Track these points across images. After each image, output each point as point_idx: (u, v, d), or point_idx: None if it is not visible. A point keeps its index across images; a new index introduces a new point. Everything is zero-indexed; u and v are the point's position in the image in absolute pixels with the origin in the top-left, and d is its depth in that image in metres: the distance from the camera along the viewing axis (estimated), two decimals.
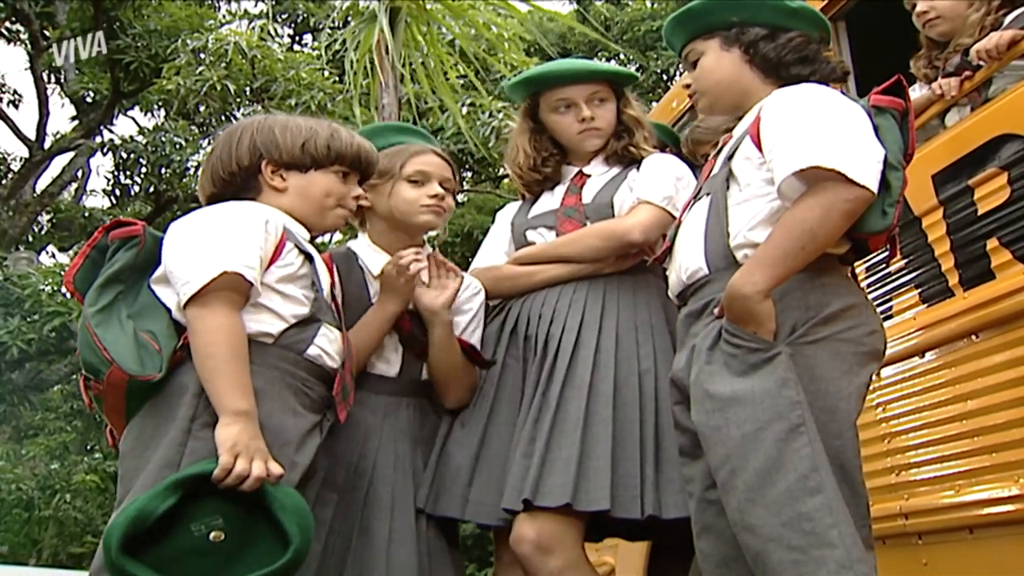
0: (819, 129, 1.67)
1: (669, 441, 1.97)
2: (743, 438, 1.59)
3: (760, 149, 1.76)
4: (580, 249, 2.14)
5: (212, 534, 1.53)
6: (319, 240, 2.98)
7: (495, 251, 2.32)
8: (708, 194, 1.84)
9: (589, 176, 2.27)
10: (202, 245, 1.70)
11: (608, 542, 2.49)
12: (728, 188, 1.80)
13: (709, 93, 1.94)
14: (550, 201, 2.28)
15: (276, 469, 1.59)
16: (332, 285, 1.89)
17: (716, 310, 1.70)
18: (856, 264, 1.85)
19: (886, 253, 2.16)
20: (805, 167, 1.62)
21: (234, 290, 1.67)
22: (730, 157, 1.83)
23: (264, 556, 1.55)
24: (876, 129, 1.70)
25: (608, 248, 2.13)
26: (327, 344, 1.81)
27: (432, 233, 2.28)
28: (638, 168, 2.23)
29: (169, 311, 1.72)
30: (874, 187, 1.62)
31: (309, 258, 1.82)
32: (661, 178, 2.17)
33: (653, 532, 2.10)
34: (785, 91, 1.80)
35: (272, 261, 1.76)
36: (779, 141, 1.71)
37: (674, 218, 2.10)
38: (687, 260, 1.82)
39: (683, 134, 2.73)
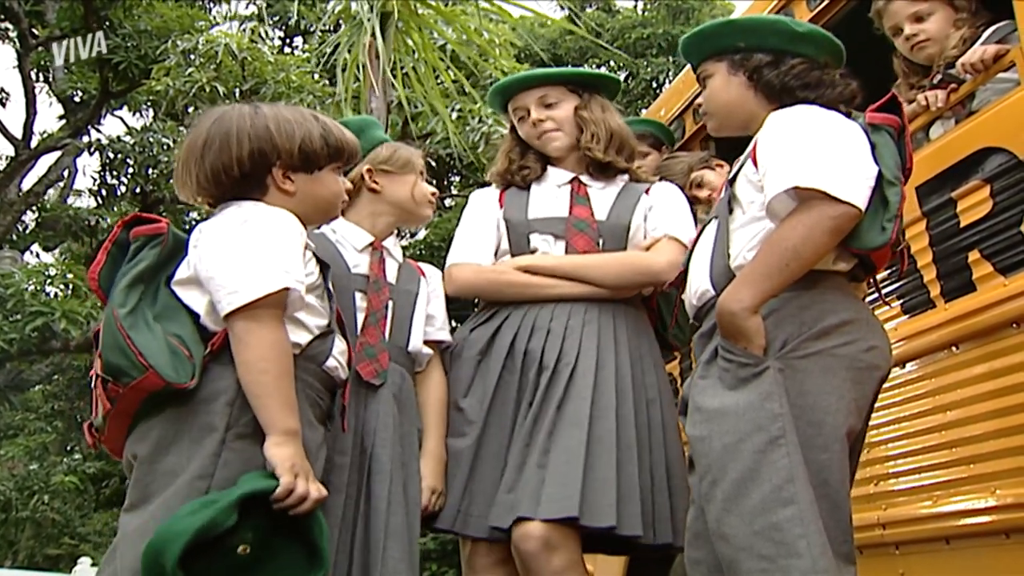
0: (805, 149, 1.69)
1: (668, 471, 2.02)
2: (724, 449, 1.62)
3: (758, 170, 1.79)
4: (608, 276, 2.13)
5: (240, 547, 1.51)
6: None
7: (485, 247, 2.24)
8: (716, 217, 1.88)
9: (588, 187, 2.26)
10: (254, 255, 1.63)
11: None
12: (732, 211, 1.83)
13: (717, 115, 1.99)
14: (551, 204, 2.24)
15: (324, 491, 1.60)
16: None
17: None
18: None
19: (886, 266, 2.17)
20: (788, 188, 1.65)
21: (281, 305, 1.63)
22: (733, 180, 1.86)
23: (285, 569, 1.54)
24: (873, 147, 1.72)
25: (639, 282, 2.15)
26: (340, 355, 1.79)
27: (420, 235, 2.31)
28: (643, 187, 2.26)
29: (195, 315, 1.66)
30: (860, 203, 1.63)
31: (324, 267, 1.79)
32: (683, 213, 2.21)
33: (629, 550, 2.11)
34: (779, 113, 1.83)
35: None
36: (770, 162, 1.73)
37: None
38: (696, 282, 1.86)
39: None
